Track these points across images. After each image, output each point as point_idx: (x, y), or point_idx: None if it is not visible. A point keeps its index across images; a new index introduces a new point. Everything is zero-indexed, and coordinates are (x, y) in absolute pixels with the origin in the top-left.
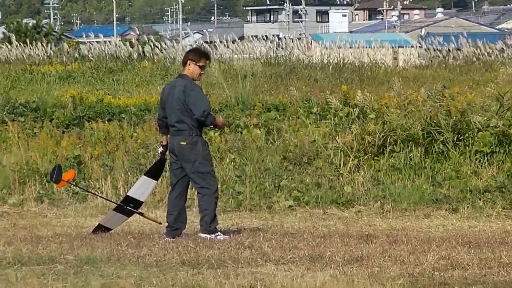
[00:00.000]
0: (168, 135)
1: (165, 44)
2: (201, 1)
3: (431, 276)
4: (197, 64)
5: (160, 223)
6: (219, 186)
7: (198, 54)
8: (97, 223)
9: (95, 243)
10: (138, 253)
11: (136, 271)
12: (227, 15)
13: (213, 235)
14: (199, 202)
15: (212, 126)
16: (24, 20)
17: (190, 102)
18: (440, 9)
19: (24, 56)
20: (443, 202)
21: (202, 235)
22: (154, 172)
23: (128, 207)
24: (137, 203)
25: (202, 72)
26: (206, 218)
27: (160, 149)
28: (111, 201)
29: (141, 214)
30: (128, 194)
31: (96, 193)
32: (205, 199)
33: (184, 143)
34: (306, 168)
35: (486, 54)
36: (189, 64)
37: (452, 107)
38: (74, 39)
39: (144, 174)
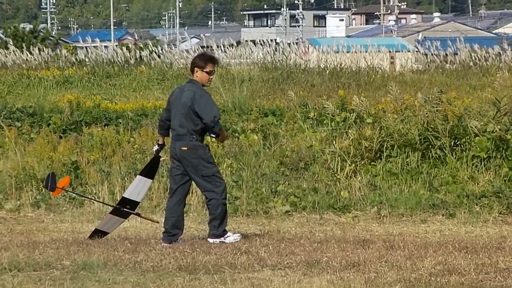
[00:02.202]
0: (166, 137)
1: (162, 48)
2: (198, 6)
3: (428, 282)
4: (204, 70)
5: (158, 222)
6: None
7: (204, 60)
8: (93, 229)
9: (91, 249)
10: (135, 259)
11: (133, 277)
12: (224, 20)
13: (222, 238)
14: (207, 205)
15: (214, 135)
16: (21, 25)
17: (200, 108)
18: (437, 14)
19: (21, 61)
20: (439, 207)
21: (211, 240)
22: (149, 171)
23: (124, 209)
24: (133, 204)
25: (210, 77)
26: (215, 222)
27: (156, 147)
28: (108, 204)
29: (138, 214)
30: (124, 195)
31: (93, 198)
32: (212, 203)
33: (185, 148)
34: (303, 173)
35: (483, 58)
36: (196, 71)
37: (449, 112)
38: (71, 44)
39: (139, 174)
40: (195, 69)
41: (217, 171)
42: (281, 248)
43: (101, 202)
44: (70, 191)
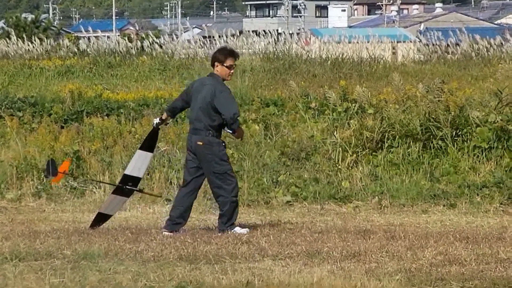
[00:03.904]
0: (172, 119)
1: (164, 39)
2: None
3: (428, 272)
4: (224, 64)
5: (160, 196)
6: None
7: (224, 54)
8: (96, 212)
9: (92, 238)
10: (136, 248)
11: (134, 266)
12: (226, 10)
13: (229, 232)
14: (216, 201)
15: (231, 132)
16: (23, 15)
17: (220, 104)
18: (439, 4)
19: (23, 51)
20: (441, 197)
21: (219, 234)
22: (149, 145)
23: (127, 187)
24: (135, 181)
25: (231, 71)
26: (223, 218)
27: (157, 120)
28: (109, 183)
29: (140, 191)
30: (125, 173)
31: (93, 179)
32: (220, 200)
33: (201, 143)
34: (304, 163)
35: (484, 49)
36: (217, 66)
37: (450, 102)
38: (73, 33)
39: (139, 149)
40: (215, 63)
41: (230, 169)
42: (282, 238)
43: (101, 182)
44: (71, 175)
